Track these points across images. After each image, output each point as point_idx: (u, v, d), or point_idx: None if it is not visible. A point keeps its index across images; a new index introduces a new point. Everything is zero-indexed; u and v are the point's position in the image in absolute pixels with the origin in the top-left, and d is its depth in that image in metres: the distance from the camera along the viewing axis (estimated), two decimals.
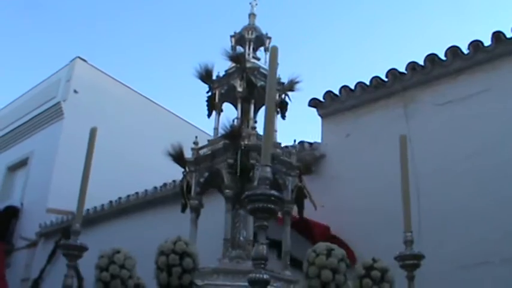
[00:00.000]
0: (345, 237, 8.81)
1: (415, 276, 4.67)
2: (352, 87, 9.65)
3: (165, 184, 12.27)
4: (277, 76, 6.26)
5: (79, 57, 18.92)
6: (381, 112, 9.36)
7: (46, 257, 14.69)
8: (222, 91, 6.55)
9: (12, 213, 16.94)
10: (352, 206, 9.01)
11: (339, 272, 4.42)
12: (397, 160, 8.81)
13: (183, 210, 6.11)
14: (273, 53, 3.65)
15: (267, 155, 3.11)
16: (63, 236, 14.91)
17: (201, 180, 6.06)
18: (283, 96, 6.65)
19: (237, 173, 5.68)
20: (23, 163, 18.43)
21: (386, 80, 9.26)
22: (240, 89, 6.37)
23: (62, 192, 15.82)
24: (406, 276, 4.72)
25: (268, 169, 3.02)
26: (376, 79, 9.34)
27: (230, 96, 6.63)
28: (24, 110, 19.68)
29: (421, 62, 8.83)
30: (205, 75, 6.57)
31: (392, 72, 9.14)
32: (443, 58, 8.66)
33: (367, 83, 9.48)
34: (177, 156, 6.19)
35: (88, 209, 14.09)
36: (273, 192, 2.93)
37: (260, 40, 7.03)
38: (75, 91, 18.02)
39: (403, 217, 5.17)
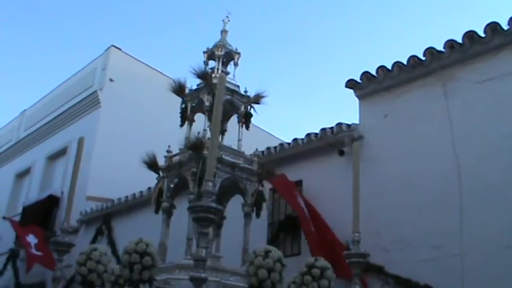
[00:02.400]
0: (385, 219, 8.76)
1: (359, 272, 5.08)
2: (389, 67, 9.51)
3: None
4: (243, 89, 7.26)
5: (113, 46, 19.03)
6: (418, 92, 9.22)
7: (87, 243, 14.86)
8: (193, 104, 7.23)
9: (53, 202, 17.21)
10: (392, 187, 8.93)
11: (275, 271, 4.94)
12: (436, 139, 8.75)
13: (156, 211, 6.78)
14: (221, 81, 4.33)
15: (210, 171, 3.80)
16: (104, 223, 15.14)
17: (171, 185, 6.75)
18: (248, 108, 7.25)
19: (198, 180, 6.19)
20: (62, 152, 18.66)
21: (424, 59, 9.11)
22: (207, 103, 6.93)
23: (100, 180, 16.02)
24: (354, 273, 5.06)
25: (211, 183, 3.73)
26: (413, 58, 9.20)
27: (200, 108, 7.24)
28: (62, 100, 19.96)
29: (460, 40, 8.65)
30: (178, 89, 7.27)
31: (430, 51, 8.98)
32: (482, 35, 8.47)
33: (405, 63, 9.34)
34: (151, 164, 6.87)
35: (127, 196, 14.24)
36: (212, 204, 3.64)
37: (230, 56, 7.62)
38: (111, 79, 18.15)
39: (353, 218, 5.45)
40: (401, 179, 8.84)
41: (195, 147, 6.35)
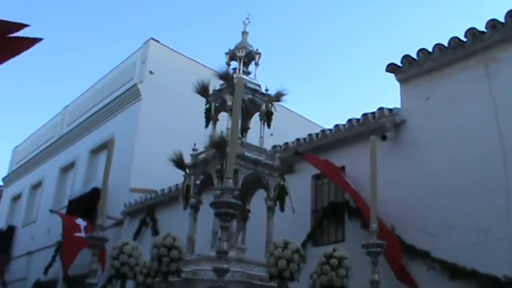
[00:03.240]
0: (430, 203, 8.68)
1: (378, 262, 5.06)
2: (430, 49, 9.37)
3: None
4: (265, 88, 7.49)
5: (152, 39, 19.18)
6: (460, 74, 9.07)
7: (132, 235, 15.07)
8: (217, 104, 7.46)
9: (97, 195, 17.37)
10: (436, 171, 8.83)
11: (293, 261, 5.31)
12: (479, 121, 8.61)
13: (185, 207, 7.02)
14: (239, 83, 4.63)
15: (230, 169, 4.07)
16: (148, 214, 15.29)
17: (198, 182, 7.03)
18: (269, 106, 7.44)
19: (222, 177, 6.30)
20: (104, 146, 18.80)
21: (465, 40, 8.93)
22: (229, 103, 7.08)
23: (143, 171, 16.19)
24: (371, 261, 5.04)
25: (231, 181, 4.02)
26: (454, 40, 9.04)
27: (223, 108, 7.43)
28: (104, 94, 20.23)
29: (502, 19, 8.46)
30: (202, 90, 7.53)
31: (471, 32, 8.80)
32: None
33: (445, 45, 9.18)
34: (178, 162, 7.17)
35: (170, 187, 14.34)
36: (232, 200, 3.90)
37: (250, 56, 7.82)
38: (151, 72, 18.31)
39: (371, 211, 5.37)
40: (445, 162, 8.74)
41: (218, 145, 6.59)
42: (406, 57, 9.67)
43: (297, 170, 10.98)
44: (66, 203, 19.03)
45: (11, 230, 23.65)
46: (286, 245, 5.40)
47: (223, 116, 7.56)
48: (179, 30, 47.32)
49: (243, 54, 7.69)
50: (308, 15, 46.08)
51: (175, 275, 5.60)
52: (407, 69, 9.73)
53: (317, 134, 11.15)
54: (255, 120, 7.75)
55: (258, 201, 7.64)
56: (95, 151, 19.79)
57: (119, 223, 16.57)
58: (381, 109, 9.82)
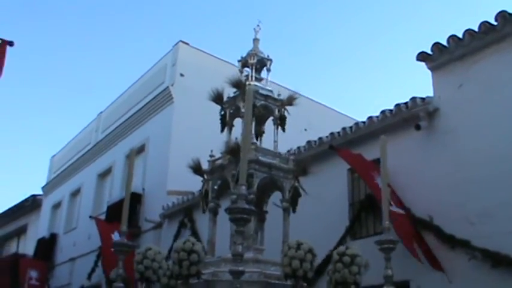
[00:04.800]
0: (468, 192, 8.58)
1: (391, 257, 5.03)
2: (460, 35, 9.25)
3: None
4: (277, 94, 7.59)
5: (181, 41, 19.28)
6: (493, 58, 8.94)
7: (172, 237, 15.17)
8: (231, 111, 7.62)
9: (135, 199, 17.57)
10: (473, 159, 8.72)
11: (306, 261, 5.54)
12: None
13: (204, 211, 7.25)
14: (249, 93, 4.85)
15: (243, 176, 4.24)
16: (186, 215, 15.37)
17: (215, 187, 7.23)
18: (282, 110, 7.53)
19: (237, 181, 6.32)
20: (140, 150, 19.00)
21: (496, 24, 8.80)
22: (243, 110, 7.07)
23: (179, 173, 16.20)
24: (384, 257, 5.01)
25: (244, 187, 4.18)
26: (485, 24, 8.90)
27: (238, 114, 7.57)
28: (136, 99, 20.39)
29: None
30: (217, 98, 7.68)
31: (502, 15, 8.66)
32: None
33: (476, 30, 9.05)
34: (196, 168, 7.36)
35: None
36: (246, 206, 4.10)
37: (262, 62, 7.93)
38: (182, 74, 18.41)
39: (382, 209, 5.31)
40: (482, 149, 8.62)
41: (233, 151, 6.73)
42: (437, 45, 9.56)
43: (332, 163, 10.97)
44: (105, 208, 19.24)
45: (53, 238, 24.02)
46: (299, 245, 5.64)
47: (239, 122, 7.61)
48: (207, 31, 47.51)
49: (255, 61, 7.84)
50: (338, 7, 45.89)
51: (195, 277, 5.88)
52: (438, 57, 9.62)
53: (351, 127, 11.10)
54: (270, 123, 7.83)
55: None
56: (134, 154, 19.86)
57: (158, 226, 16.70)
58: (413, 98, 9.73)
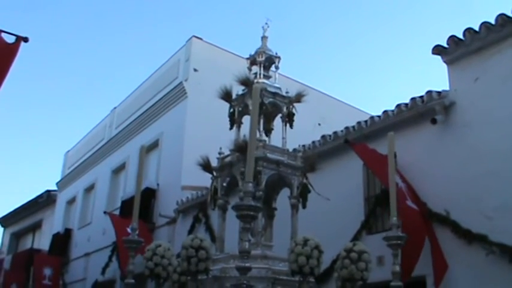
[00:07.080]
0: (486, 186, 8.50)
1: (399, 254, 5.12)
2: (477, 28, 9.15)
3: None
4: (285, 91, 7.60)
5: (194, 36, 19.24)
6: (509, 51, 8.84)
7: (186, 232, 15.16)
8: (240, 108, 7.66)
9: (150, 194, 17.62)
10: (490, 153, 8.64)
11: (312, 257, 5.58)
12: None
13: (213, 208, 7.35)
14: (255, 91, 4.93)
15: (249, 173, 4.25)
16: (200, 211, 15.37)
17: (224, 184, 7.28)
18: (290, 107, 7.54)
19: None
20: (154, 145, 19.03)
21: None
22: (251, 107, 6.98)
23: (193, 168, 16.13)
24: (392, 253, 5.10)
25: (251, 184, 4.18)
26: (501, 17, 8.80)
27: (246, 112, 7.59)
28: (150, 94, 20.38)
29: None
30: (225, 96, 7.72)
31: None
32: None
33: (492, 22, 8.95)
34: (205, 165, 7.44)
35: None
36: (252, 203, 4.13)
37: (270, 60, 7.94)
38: (195, 69, 18.36)
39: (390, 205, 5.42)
40: (499, 143, 8.54)
41: (241, 148, 6.70)
42: (452, 38, 9.47)
43: (347, 158, 10.91)
44: (119, 204, 19.26)
45: (68, 233, 24.12)
46: (305, 242, 5.69)
47: (248, 119, 7.61)
48: (220, 25, 47.48)
49: (263, 59, 7.86)
50: (351, 3, 45.73)
51: (204, 274, 5.95)
52: (454, 50, 9.53)
53: (366, 122, 11.03)
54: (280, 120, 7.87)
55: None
56: (145, 151, 19.87)
57: (172, 221, 16.71)
58: (429, 92, 9.64)
